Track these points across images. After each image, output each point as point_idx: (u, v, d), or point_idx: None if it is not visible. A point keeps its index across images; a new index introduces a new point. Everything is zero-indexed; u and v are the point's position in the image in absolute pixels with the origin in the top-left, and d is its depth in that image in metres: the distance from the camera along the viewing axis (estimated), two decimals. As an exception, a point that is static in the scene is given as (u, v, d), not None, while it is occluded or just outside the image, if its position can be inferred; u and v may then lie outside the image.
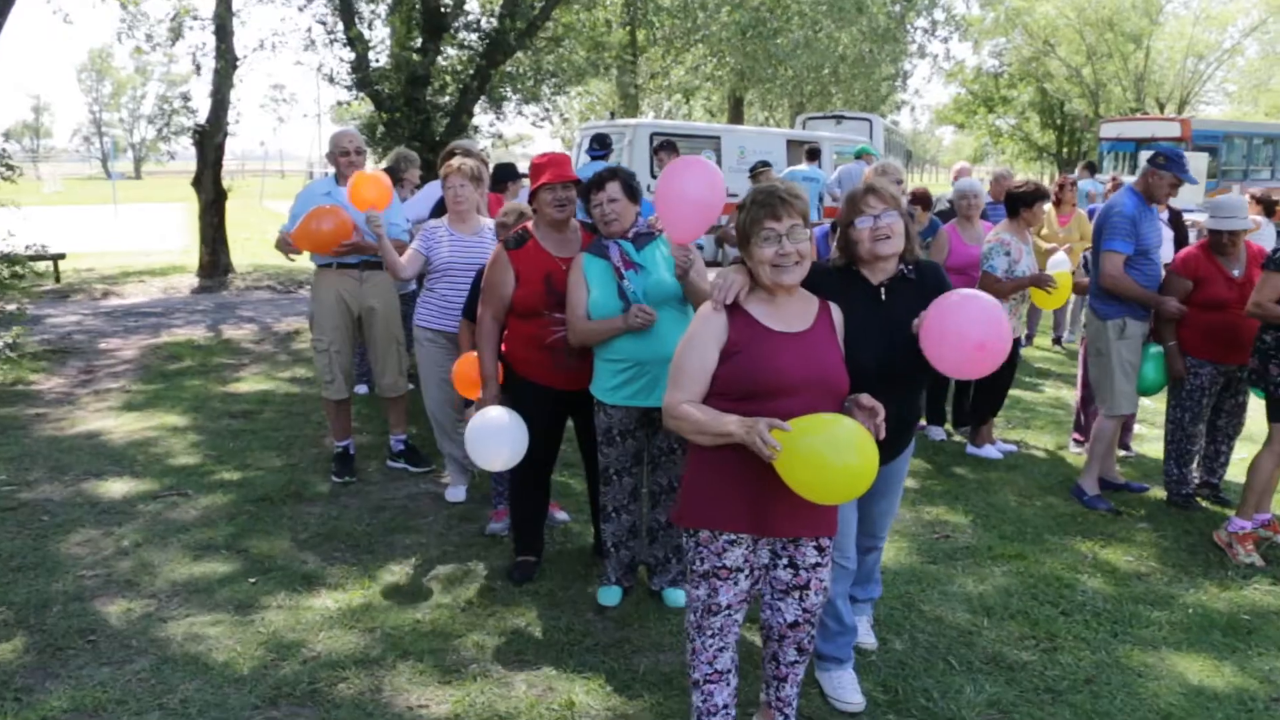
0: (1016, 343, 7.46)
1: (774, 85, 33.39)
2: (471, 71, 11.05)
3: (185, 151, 16.96)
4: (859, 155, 15.07)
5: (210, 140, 16.16)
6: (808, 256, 3.13)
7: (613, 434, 4.55)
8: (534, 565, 5.00)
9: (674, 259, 4.39)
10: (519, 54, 11.66)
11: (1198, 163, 19.90)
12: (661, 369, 4.39)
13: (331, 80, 12.00)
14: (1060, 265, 7.66)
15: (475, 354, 4.98)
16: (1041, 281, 6.65)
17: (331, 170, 6.46)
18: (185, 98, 16.82)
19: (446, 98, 11.48)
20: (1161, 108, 50.22)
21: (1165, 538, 5.68)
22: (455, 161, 5.89)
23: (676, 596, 4.68)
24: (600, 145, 10.22)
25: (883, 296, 3.60)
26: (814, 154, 16.79)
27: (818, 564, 3.22)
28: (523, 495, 4.98)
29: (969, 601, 4.77)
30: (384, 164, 9.37)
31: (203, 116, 16.33)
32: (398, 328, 6.48)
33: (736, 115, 35.57)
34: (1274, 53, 52.86)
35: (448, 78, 11.59)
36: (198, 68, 16.34)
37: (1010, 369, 7.41)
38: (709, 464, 3.12)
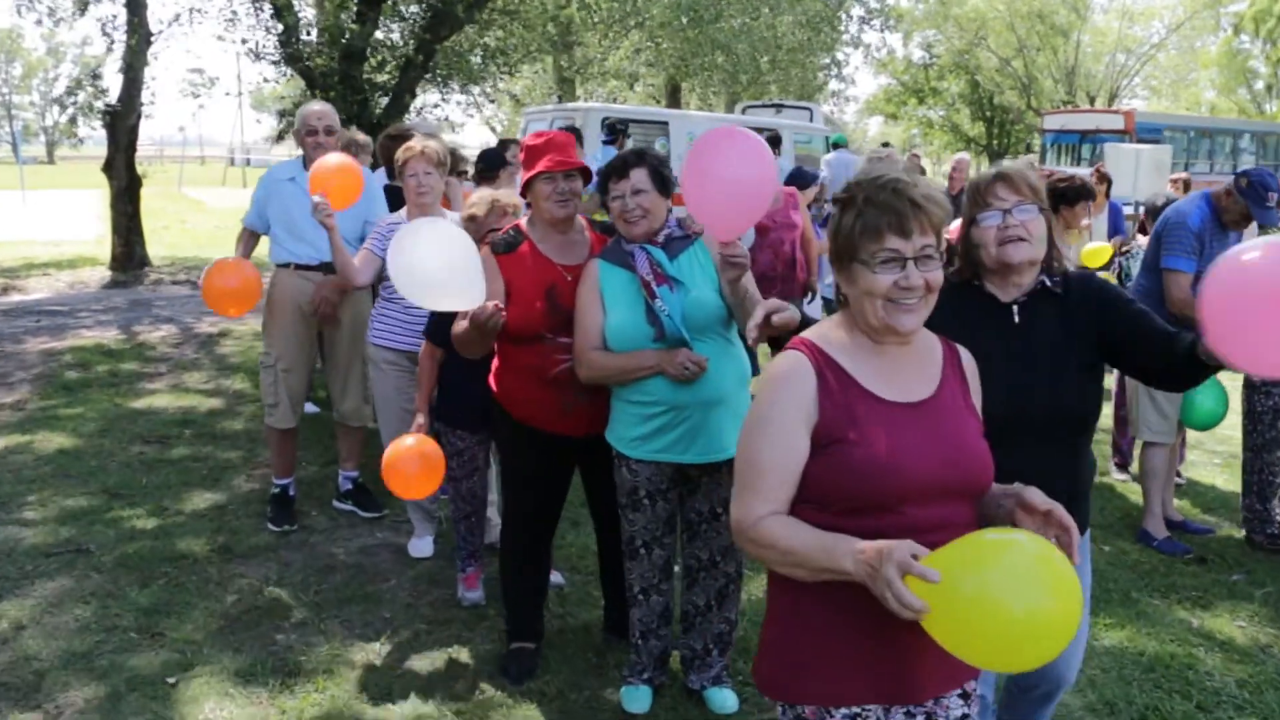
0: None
1: (713, 73, 32.54)
2: (414, 46, 9.93)
3: (100, 135, 15.55)
4: (836, 145, 14.21)
5: (122, 122, 14.80)
6: (937, 290, 2.05)
7: (639, 496, 3.54)
8: (533, 654, 3.96)
9: (718, 265, 3.43)
10: (467, 29, 10.55)
11: (1160, 155, 19.35)
12: (704, 415, 3.40)
13: (257, 56, 10.76)
14: None
15: (407, 443, 3.96)
16: None
17: (299, 153, 5.43)
18: (95, 75, 15.40)
19: (385, 76, 10.34)
20: (1092, 101, 50.72)
21: (1270, 595, 4.81)
22: (416, 144, 4.85)
23: (724, 699, 3.66)
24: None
25: (1015, 318, 2.68)
26: (775, 142, 15.89)
27: (965, 715, 2.16)
28: (518, 568, 3.95)
29: (1083, 693, 3.82)
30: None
31: (114, 96, 14.97)
32: (366, 345, 5.41)
33: (674, 103, 34.59)
34: (1191, 50, 53.61)
35: (386, 53, 10.45)
36: (110, 42, 14.96)
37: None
38: (811, 608, 2.03)
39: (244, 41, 10.96)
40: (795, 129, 19.16)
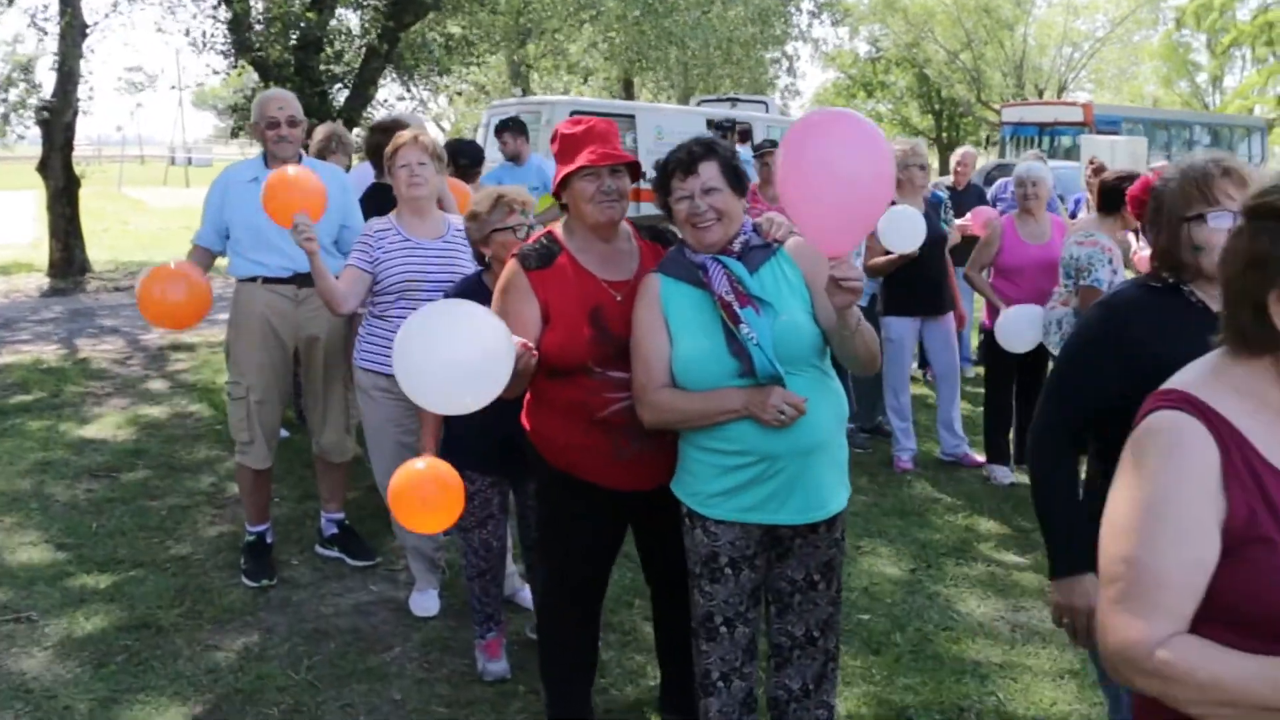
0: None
1: (667, 67, 32.08)
2: (376, 34, 9.20)
3: (34, 133, 14.64)
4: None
5: (58, 119, 13.95)
6: None
7: (718, 564, 2.87)
8: (582, 747, 3.30)
9: (809, 281, 2.81)
10: (430, 15, 9.82)
11: (1135, 146, 19.08)
12: (802, 465, 2.76)
13: (205, 45, 9.92)
14: None
15: (417, 466, 3.26)
16: None
17: (256, 150, 4.71)
18: (26, 69, 14.42)
19: (344, 66, 9.56)
20: (1040, 94, 51.12)
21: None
22: (409, 133, 4.20)
23: (824, 806, 3.04)
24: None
25: None
26: (746, 135, 15.36)
27: None
28: (561, 644, 3.28)
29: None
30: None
31: (49, 92, 14.06)
32: (347, 366, 4.73)
33: (629, 98, 33.99)
34: (1130, 43, 54.13)
35: (345, 42, 9.67)
36: (42, 34, 14.02)
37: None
38: None
39: (187, 33, 10.16)
40: (769, 122, 18.62)
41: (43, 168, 14.00)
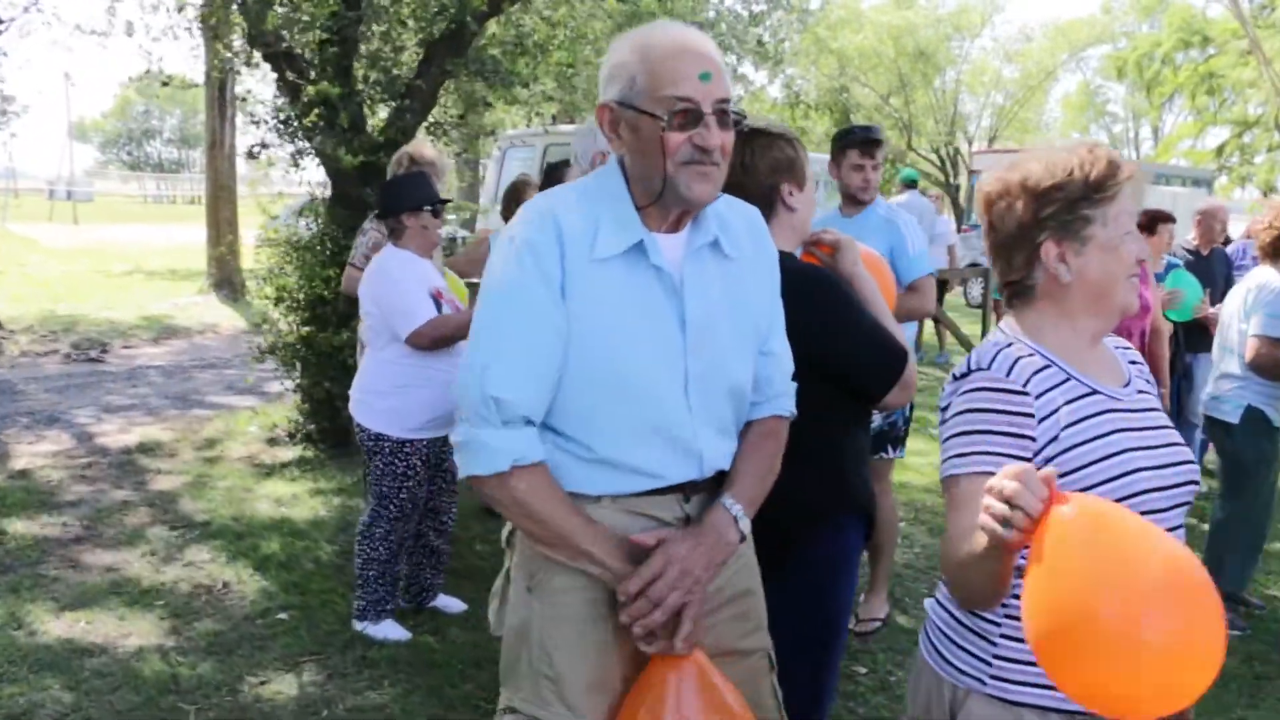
0: None
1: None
2: (448, 24, 6.64)
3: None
4: (909, 183, 11.42)
5: (-37, 140, 11.06)
6: None
7: None
8: None
9: None
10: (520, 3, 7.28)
11: (1197, 198, 17.43)
12: None
13: (216, 36, 7.20)
14: None
15: None
16: None
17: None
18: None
19: (389, 73, 6.98)
20: (970, 142, 51.38)
21: None
22: (1008, 171, 1.68)
23: None
24: None
25: None
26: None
27: None
28: None
29: None
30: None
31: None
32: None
33: (575, 132, 31.92)
34: (1037, 90, 54.68)
35: (388, 46, 7.08)
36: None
37: None
38: None
39: (203, 20, 7.47)
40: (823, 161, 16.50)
41: (-57, 200, 11.13)
